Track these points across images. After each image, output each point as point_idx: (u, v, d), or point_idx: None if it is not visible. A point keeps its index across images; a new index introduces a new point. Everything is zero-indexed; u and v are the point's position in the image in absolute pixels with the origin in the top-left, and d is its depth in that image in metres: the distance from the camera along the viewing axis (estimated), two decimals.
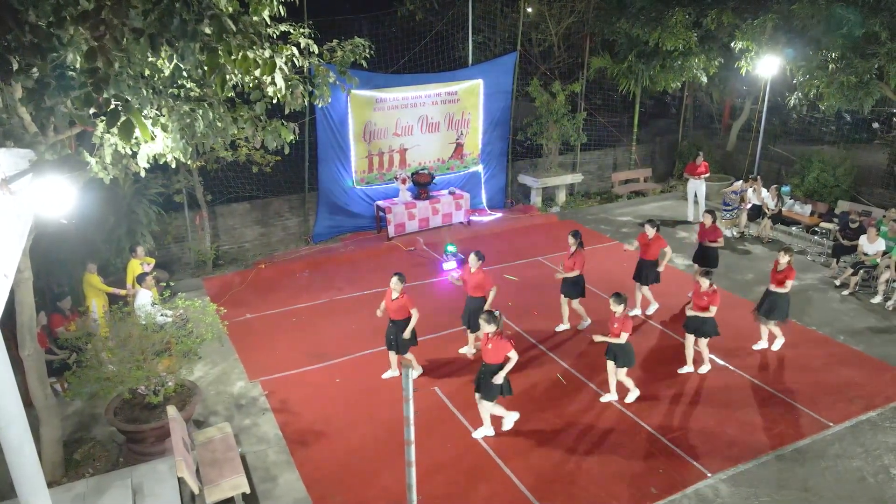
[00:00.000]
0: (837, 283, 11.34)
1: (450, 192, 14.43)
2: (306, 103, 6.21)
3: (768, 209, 13.48)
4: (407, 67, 14.34)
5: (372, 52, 7.24)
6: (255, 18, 6.28)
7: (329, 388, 8.56)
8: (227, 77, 4.10)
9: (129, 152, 6.62)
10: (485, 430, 7.50)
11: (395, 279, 8.15)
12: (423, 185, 14.11)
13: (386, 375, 8.72)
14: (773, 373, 8.73)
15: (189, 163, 7.22)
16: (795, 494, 6.62)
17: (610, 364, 8.04)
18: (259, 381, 8.72)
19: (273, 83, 4.44)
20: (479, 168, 15.18)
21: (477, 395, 7.38)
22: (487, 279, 8.70)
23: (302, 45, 6.98)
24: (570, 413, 7.92)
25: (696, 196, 14.73)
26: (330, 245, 13.55)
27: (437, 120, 14.24)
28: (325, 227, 13.75)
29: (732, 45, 13.17)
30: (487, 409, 7.37)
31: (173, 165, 7.33)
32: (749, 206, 13.63)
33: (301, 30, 6.77)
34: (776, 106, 17.86)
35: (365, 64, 7.20)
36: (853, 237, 11.50)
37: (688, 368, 8.72)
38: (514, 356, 7.08)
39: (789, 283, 8.85)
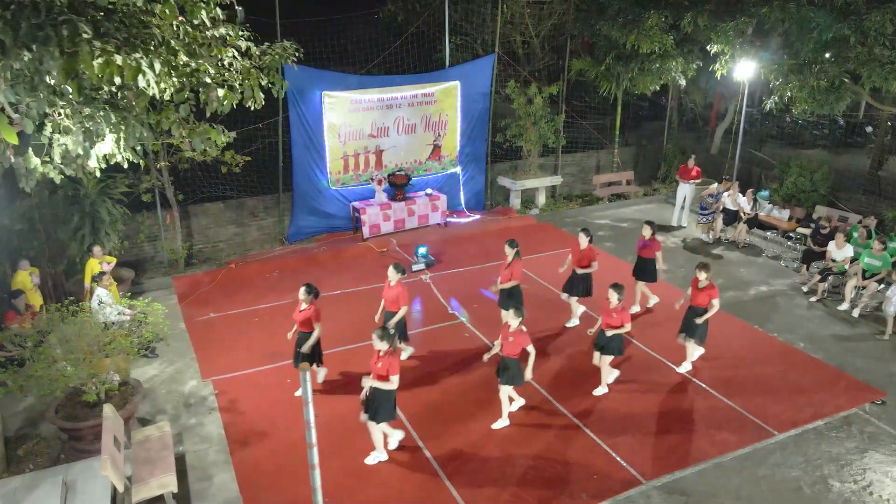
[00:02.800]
0: (805, 289, 11.23)
1: (426, 194, 14.44)
2: (234, 105, 6.23)
3: (744, 213, 13.38)
4: (389, 69, 14.38)
5: (301, 54, 7.25)
6: (194, 21, 6.38)
7: (278, 388, 8.60)
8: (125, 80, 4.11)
9: (81, 152, 6.70)
10: (377, 455, 7.21)
11: (302, 290, 7.94)
12: (399, 187, 14.13)
13: (298, 393, 8.31)
14: (725, 379, 8.65)
15: (139, 160, 7.23)
16: (726, 503, 6.57)
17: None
18: (211, 381, 8.78)
19: (146, 88, 4.43)
20: (458, 170, 15.17)
21: (364, 416, 6.99)
22: (404, 295, 8.33)
23: (243, 48, 7.05)
24: (514, 417, 7.89)
25: (684, 200, 14.63)
26: (304, 245, 13.62)
27: (414, 121, 14.25)
28: (299, 228, 13.82)
29: (708, 48, 13.07)
30: (374, 430, 7.04)
31: (125, 165, 7.39)
32: (722, 209, 13.51)
33: (241, 33, 6.80)
34: (762, 110, 17.76)
35: (295, 67, 7.22)
36: (823, 243, 11.39)
37: (601, 389, 8.36)
38: (395, 382, 6.70)
39: (716, 302, 8.34)
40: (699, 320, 8.45)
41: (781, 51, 12.01)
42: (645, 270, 10.21)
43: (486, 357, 7.87)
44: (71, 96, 4.68)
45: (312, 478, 5.04)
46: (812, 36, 10.91)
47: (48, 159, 6.70)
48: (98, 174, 8.82)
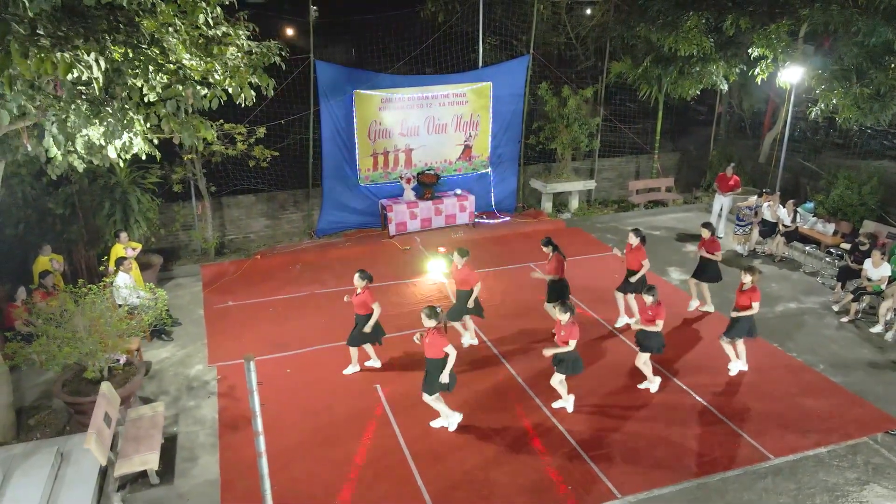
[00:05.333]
0: (836, 308, 10.60)
1: (454, 194, 14.48)
2: (221, 101, 6.48)
3: (783, 226, 12.73)
4: (428, 67, 14.49)
5: (287, 53, 7.44)
6: (198, 21, 6.66)
7: (278, 378, 8.84)
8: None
9: (103, 143, 7.12)
10: (441, 421, 7.67)
11: (357, 275, 8.40)
12: (427, 186, 14.23)
13: (347, 371, 8.87)
14: (729, 397, 8.29)
15: (155, 152, 7.60)
16: None
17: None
18: (216, 366, 9.12)
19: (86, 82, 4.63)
20: (489, 171, 15.13)
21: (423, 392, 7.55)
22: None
23: (245, 47, 7.30)
24: (500, 420, 7.84)
25: (720, 210, 14.08)
26: (332, 240, 13.91)
27: (445, 121, 14.31)
28: (328, 223, 14.12)
29: (749, 51, 12.52)
30: (431, 402, 7.54)
31: (143, 157, 7.79)
32: (759, 221, 12.90)
33: (240, 32, 7.05)
34: (828, 117, 16.77)
35: (284, 66, 7.41)
36: (862, 260, 10.70)
37: (647, 384, 8.48)
38: (451, 351, 7.19)
39: (756, 305, 8.40)
40: (734, 314, 8.51)
41: (826, 56, 11.36)
42: (705, 271, 10.39)
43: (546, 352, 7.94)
44: (47, 91, 4.99)
45: (260, 465, 5.19)
46: (856, 40, 10.27)
47: (72, 149, 7.15)
48: (121, 164, 9.35)
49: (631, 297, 9.98)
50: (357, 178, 14.00)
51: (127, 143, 7.05)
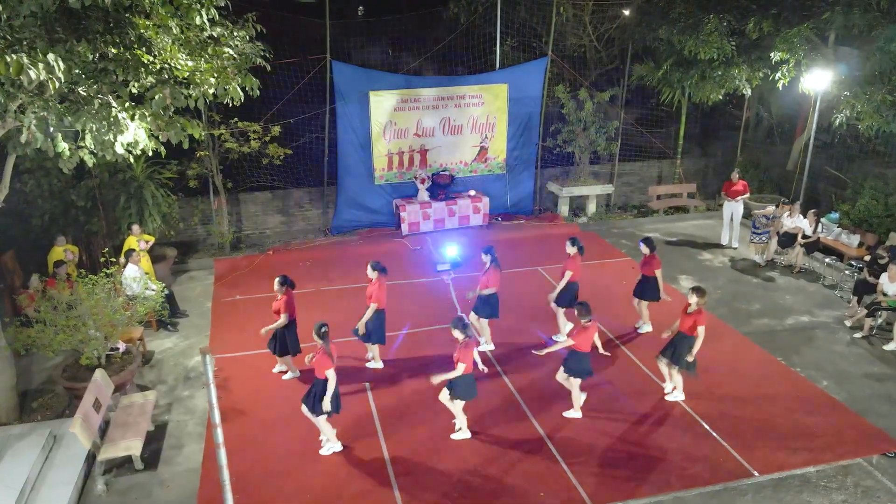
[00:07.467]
0: (849, 324, 10.20)
1: (468, 195, 14.48)
2: (207, 101, 6.67)
3: (803, 236, 12.30)
4: (448, 68, 14.56)
5: (271, 54, 7.57)
6: (197, 20, 6.86)
7: (271, 372, 9.03)
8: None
9: (111, 139, 7.41)
10: (328, 445, 7.39)
11: (276, 281, 8.39)
12: (442, 187, 14.28)
13: (285, 377, 8.83)
14: (719, 411, 8.07)
15: (161, 149, 7.85)
16: None
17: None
18: (214, 358, 9.36)
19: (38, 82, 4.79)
20: (505, 173, 15.07)
21: (304, 407, 7.23)
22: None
23: (240, 47, 7.49)
24: (481, 425, 7.81)
25: (731, 217, 13.70)
26: (345, 238, 14.09)
27: (460, 122, 14.33)
28: (343, 221, 14.31)
29: (771, 55, 12.14)
30: (313, 418, 7.21)
31: (150, 153, 8.06)
32: (782, 231, 12.49)
33: (235, 32, 7.23)
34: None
35: (269, 67, 7.55)
36: (879, 274, 10.28)
37: (573, 413, 7.95)
38: (331, 376, 6.86)
39: (701, 330, 7.69)
40: (689, 357, 7.86)
41: (851, 61, 10.95)
42: (644, 289, 9.75)
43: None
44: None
45: (218, 456, 5.30)
46: (879, 45, 9.87)
47: (83, 144, 7.46)
48: (131, 159, 9.66)
49: (561, 311, 9.54)
50: (372, 178, 14.15)
51: (132, 140, 7.31)
